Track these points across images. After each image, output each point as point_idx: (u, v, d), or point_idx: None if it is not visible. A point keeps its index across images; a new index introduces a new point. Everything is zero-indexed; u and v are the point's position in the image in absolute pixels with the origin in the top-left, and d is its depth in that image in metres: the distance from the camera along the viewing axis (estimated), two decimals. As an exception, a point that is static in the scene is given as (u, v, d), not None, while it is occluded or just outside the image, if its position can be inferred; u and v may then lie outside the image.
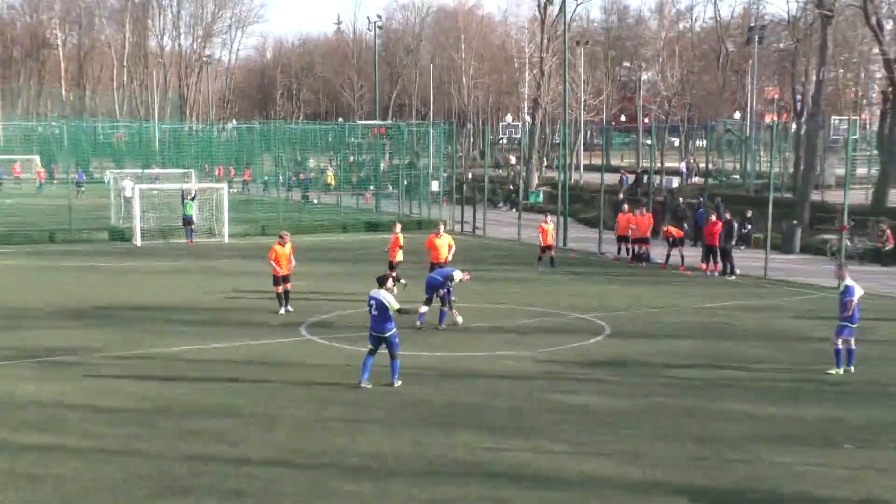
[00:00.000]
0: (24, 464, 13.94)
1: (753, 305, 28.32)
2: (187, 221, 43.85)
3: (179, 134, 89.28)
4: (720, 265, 34.41)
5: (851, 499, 12.82)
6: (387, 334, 18.14)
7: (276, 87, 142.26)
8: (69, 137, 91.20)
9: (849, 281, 20.14)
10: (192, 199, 44.73)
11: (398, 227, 31.47)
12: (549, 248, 35.96)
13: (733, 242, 35.10)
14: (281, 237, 27.26)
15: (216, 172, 72.11)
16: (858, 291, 20.03)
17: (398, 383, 18.35)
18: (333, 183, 72.52)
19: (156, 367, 20.02)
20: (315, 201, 66.01)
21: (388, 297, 18.25)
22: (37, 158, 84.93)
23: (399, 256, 29.72)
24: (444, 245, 28.09)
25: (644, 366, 20.61)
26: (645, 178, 61.78)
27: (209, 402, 17.44)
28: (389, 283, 19.16)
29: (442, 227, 29.91)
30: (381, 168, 71.04)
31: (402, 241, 30.13)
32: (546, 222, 36.43)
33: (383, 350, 18.23)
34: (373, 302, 18.18)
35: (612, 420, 16.49)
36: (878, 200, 49.55)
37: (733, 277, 33.50)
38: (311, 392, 18.12)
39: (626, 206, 40.10)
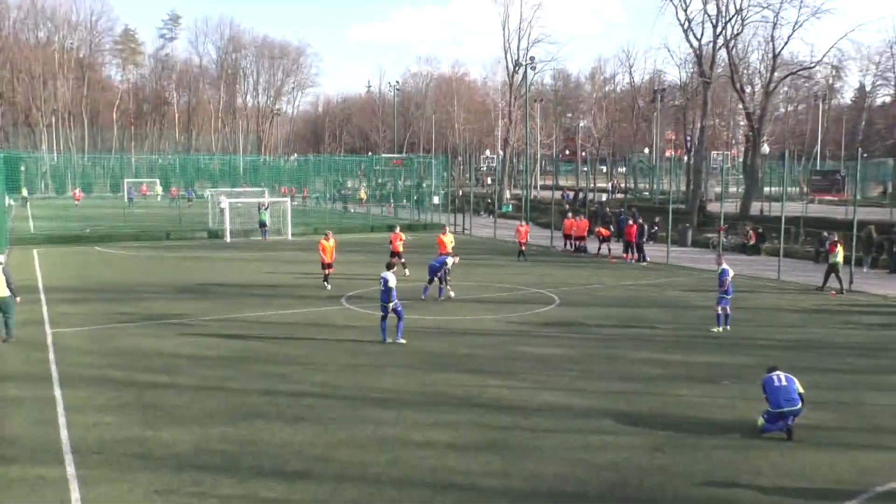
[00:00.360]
0: (147, 396, 13.80)
1: (658, 283, 28.17)
2: (262, 224, 43.69)
3: (257, 164, 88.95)
4: (636, 255, 34.29)
5: (728, 420, 12.71)
6: (391, 304, 17.77)
7: (324, 131, 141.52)
8: (180, 166, 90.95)
9: (725, 265, 20.06)
10: (266, 208, 44.52)
11: (398, 228, 31.33)
12: (522, 243, 34.85)
13: (645, 239, 34.94)
14: (325, 234, 27.10)
15: (283, 190, 71.62)
16: (731, 272, 19.93)
17: (402, 341, 17.84)
18: (365, 197, 72.33)
19: (241, 327, 19.86)
20: (352, 210, 65.76)
21: (391, 277, 17.87)
22: (157, 182, 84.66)
23: (400, 247, 29.31)
24: (449, 241, 27.91)
25: (583, 326, 20.47)
26: (581, 194, 61.58)
27: (276, 351, 17.26)
28: (395, 269, 18.74)
29: (447, 228, 29.93)
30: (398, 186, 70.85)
31: (402, 237, 29.94)
32: (522, 225, 35.89)
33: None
34: (382, 280, 17.94)
35: (561, 365, 16.34)
36: (744, 209, 49.70)
37: (644, 263, 33.33)
38: (347, 345, 17.95)
39: (570, 214, 40.09)
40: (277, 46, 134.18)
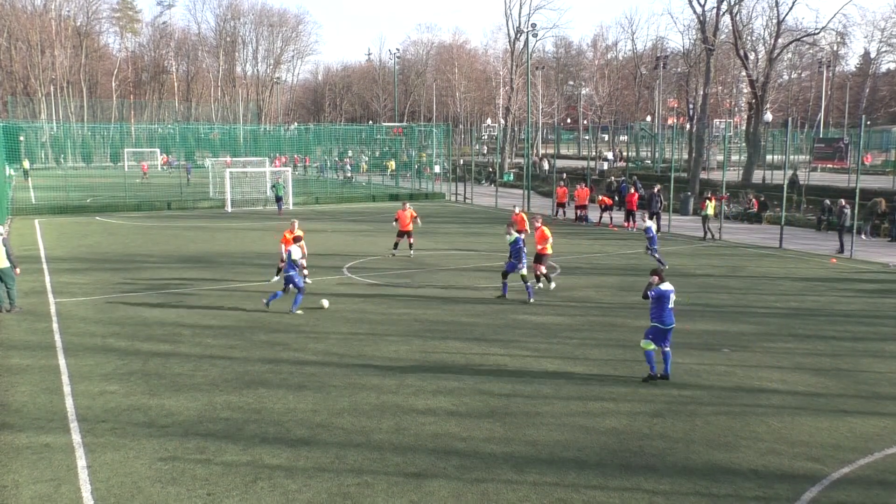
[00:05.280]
0: (151, 365, 13.90)
1: (659, 251, 28.10)
2: (279, 198, 42.55)
3: (257, 133, 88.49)
4: (635, 223, 34.22)
5: (727, 387, 12.80)
6: (288, 273, 17.79)
7: (325, 99, 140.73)
8: (180, 136, 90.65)
9: (649, 223, 23.21)
10: (282, 182, 43.84)
11: (407, 203, 26.83)
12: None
13: (660, 208, 33.29)
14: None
15: (283, 160, 71.32)
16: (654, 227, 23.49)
17: (299, 312, 17.79)
18: (392, 168, 69.07)
19: (243, 297, 19.91)
20: (353, 179, 65.56)
21: (295, 250, 17.90)
22: (158, 150, 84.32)
23: (410, 226, 26.19)
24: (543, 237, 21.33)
25: (583, 294, 20.52)
26: (545, 161, 60.96)
27: (279, 320, 17.34)
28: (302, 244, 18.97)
29: (540, 219, 22.57)
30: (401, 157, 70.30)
31: (414, 213, 26.91)
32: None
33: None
34: (291, 250, 17.99)
35: (562, 332, 16.42)
36: (746, 178, 49.55)
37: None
38: (348, 314, 18.02)
39: (561, 182, 39.95)
40: (276, 14, 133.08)
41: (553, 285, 20.72)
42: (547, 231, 21.27)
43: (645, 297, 13.25)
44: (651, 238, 24.00)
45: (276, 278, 21.39)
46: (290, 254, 17.92)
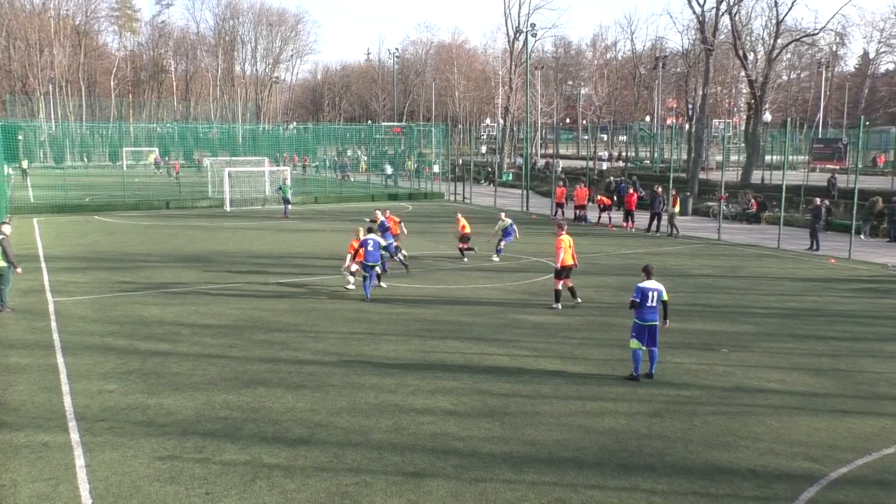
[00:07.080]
0: (150, 364, 13.89)
1: (658, 251, 28.17)
2: (286, 201, 40.40)
3: (256, 132, 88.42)
4: (634, 223, 34.22)
5: (726, 387, 12.81)
6: (378, 262, 19.61)
7: (324, 98, 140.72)
8: (178, 135, 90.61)
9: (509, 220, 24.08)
10: (287, 184, 42.98)
11: (387, 211, 25.43)
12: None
13: (663, 208, 33.44)
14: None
15: (283, 159, 71.24)
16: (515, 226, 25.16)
17: (383, 285, 20.40)
18: (411, 168, 65.70)
19: (241, 296, 19.90)
20: (352, 179, 65.51)
21: (380, 239, 19.73)
22: (156, 150, 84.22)
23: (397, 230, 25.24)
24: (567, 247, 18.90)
25: (583, 294, 20.46)
26: (552, 161, 61.12)
27: (279, 320, 17.33)
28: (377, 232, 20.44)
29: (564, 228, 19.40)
30: (406, 158, 70.04)
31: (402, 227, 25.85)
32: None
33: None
34: (369, 241, 19.31)
35: (561, 332, 16.43)
36: (745, 177, 49.57)
37: (658, 234, 32.82)
38: (348, 313, 18.02)
39: (561, 182, 40.04)
40: (275, 13, 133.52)
41: (579, 300, 19.00)
42: (565, 241, 18.60)
43: (632, 307, 13.09)
44: (507, 236, 25.63)
45: (351, 283, 20.69)
46: (376, 242, 19.34)
